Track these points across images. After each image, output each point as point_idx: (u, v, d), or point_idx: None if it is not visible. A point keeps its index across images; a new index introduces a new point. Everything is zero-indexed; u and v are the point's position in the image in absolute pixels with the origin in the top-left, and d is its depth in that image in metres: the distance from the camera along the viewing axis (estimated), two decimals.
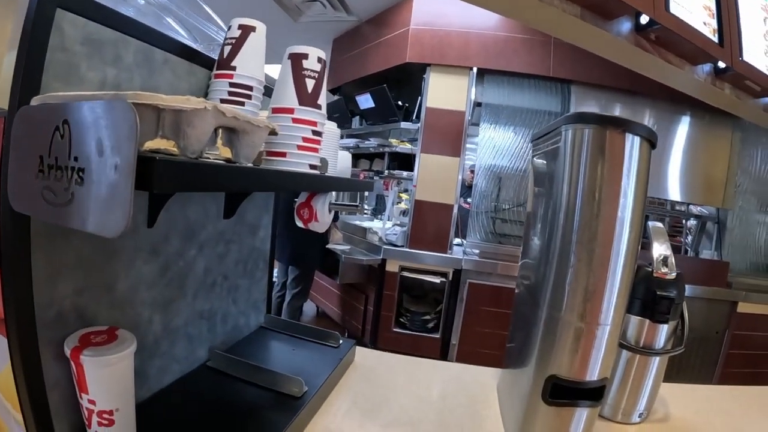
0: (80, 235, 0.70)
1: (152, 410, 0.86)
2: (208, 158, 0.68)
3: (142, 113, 0.42)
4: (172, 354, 0.96)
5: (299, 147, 0.85)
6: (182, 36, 0.97)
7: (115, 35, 0.71)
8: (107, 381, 0.67)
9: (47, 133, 0.49)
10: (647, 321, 1.02)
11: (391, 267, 3.36)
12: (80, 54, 0.66)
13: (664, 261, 1.02)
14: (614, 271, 0.79)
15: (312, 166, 0.88)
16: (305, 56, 0.85)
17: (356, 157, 4.27)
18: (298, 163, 0.85)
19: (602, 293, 0.80)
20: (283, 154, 0.84)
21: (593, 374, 0.83)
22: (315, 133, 0.87)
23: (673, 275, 1.01)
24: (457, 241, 3.43)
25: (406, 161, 3.65)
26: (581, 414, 0.87)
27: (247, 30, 0.85)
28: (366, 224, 3.90)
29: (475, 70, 3.30)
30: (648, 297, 1.00)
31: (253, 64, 0.86)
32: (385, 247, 3.37)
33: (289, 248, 3.37)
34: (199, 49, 0.93)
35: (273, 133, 0.72)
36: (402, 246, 3.39)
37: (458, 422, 1.01)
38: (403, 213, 3.79)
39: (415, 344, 3.33)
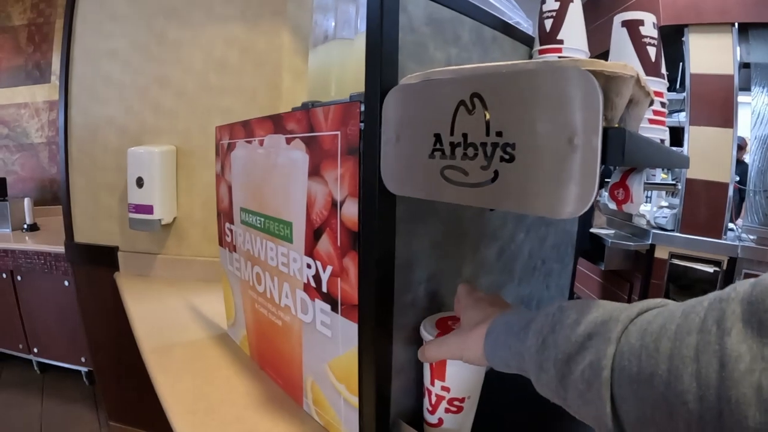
0: (436, 219, 0.70)
1: None
2: None
3: None
4: None
5: (650, 120, 0.78)
6: None
7: (451, 14, 0.69)
8: (466, 370, 0.65)
9: (446, 110, 0.46)
10: None
11: (660, 253, 3.10)
12: (426, 34, 0.64)
13: None
14: None
15: (662, 141, 0.80)
16: (641, 23, 0.78)
17: None
18: (650, 138, 0.77)
19: None
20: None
21: None
22: (663, 104, 0.79)
23: None
24: (729, 225, 3.04)
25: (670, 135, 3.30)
26: None
27: (566, 1, 0.79)
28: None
29: (736, 25, 2.89)
30: None
31: (578, 34, 0.81)
32: (654, 231, 3.11)
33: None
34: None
35: (651, 104, 0.64)
36: (672, 230, 3.09)
37: None
38: (673, 194, 3.43)
39: None
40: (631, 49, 0.77)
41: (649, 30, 0.78)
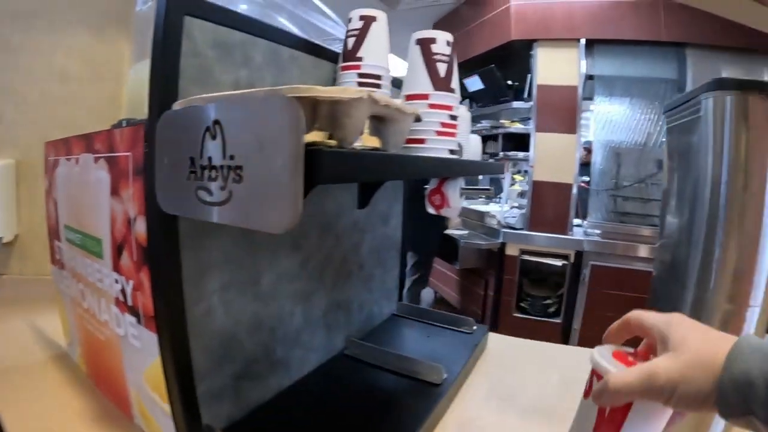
0: (226, 232, 0.73)
1: (294, 397, 0.89)
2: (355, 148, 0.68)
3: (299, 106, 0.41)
4: (311, 343, 0.99)
5: (438, 132, 0.84)
6: (294, 32, 0.99)
7: (243, 37, 0.73)
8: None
9: (197, 135, 0.50)
10: None
11: (511, 251, 3.32)
12: (212, 58, 0.68)
13: None
14: (765, 248, 0.72)
15: (451, 152, 0.87)
16: (433, 40, 0.83)
17: None
18: (438, 149, 0.84)
19: (752, 272, 0.73)
20: (422, 141, 0.84)
21: None
22: (452, 117, 0.86)
23: None
24: (576, 222, 3.33)
25: (520, 141, 3.57)
26: None
27: (368, 20, 0.85)
28: (483, 208, 3.86)
29: (583, 41, 3.17)
30: None
31: (379, 53, 0.86)
32: (504, 230, 3.34)
33: (407, 233, 3.35)
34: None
35: (417, 119, 0.70)
36: (521, 229, 3.34)
37: None
38: (522, 195, 3.70)
39: (536, 329, 3.27)
40: (422, 65, 0.83)
41: (441, 47, 0.83)
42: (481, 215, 3.73)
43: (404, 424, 0.81)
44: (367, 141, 0.69)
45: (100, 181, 0.76)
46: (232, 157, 0.46)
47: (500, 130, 3.71)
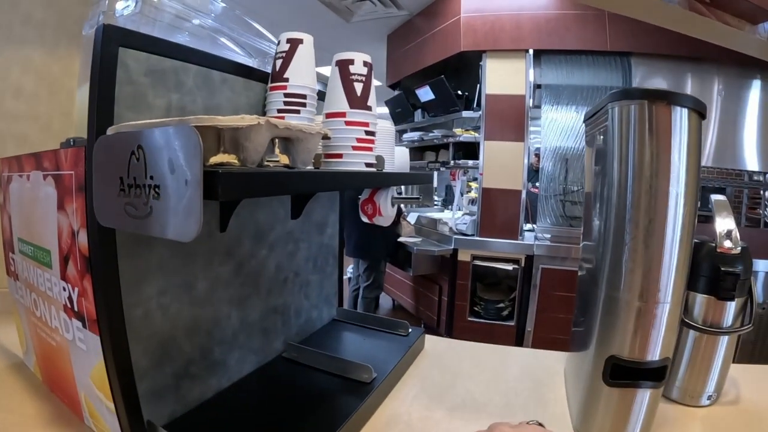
0: (161, 242, 0.79)
1: (233, 396, 0.96)
2: (269, 166, 0.74)
3: (204, 134, 0.49)
4: (249, 346, 1.04)
5: (354, 147, 0.91)
6: (237, 53, 1.05)
7: (174, 64, 0.79)
8: None
9: (124, 157, 0.56)
10: (713, 299, 0.97)
11: (463, 256, 3.42)
12: (145, 84, 0.74)
13: (728, 235, 0.97)
14: (670, 248, 0.78)
15: (368, 164, 0.94)
16: (351, 62, 0.91)
17: (422, 150, 4.39)
18: (354, 162, 0.92)
19: (659, 270, 0.79)
20: (340, 156, 0.91)
21: (654, 354, 0.82)
22: (368, 133, 0.93)
23: (738, 250, 0.96)
24: (527, 226, 3.43)
25: (471, 150, 3.67)
26: (643, 395, 0.86)
27: (295, 43, 0.91)
28: (436, 215, 3.96)
29: (531, 51, 3.29)
30: (712, 274, 0.96)
31: (305, 74, 0.92)
32: (456, 237, 3.43)
33: (353, 240, 3.46)
34: (253, 65, 1.00)
35: (326, 137, 0.77)
36: (472, 235, 3.43)
37: (523, 405, 1.03)
38: (472, 202, 3.81)
39: (491, 333, 3.36)
40: (340, 85, 0.90)
41: (358, 68, 0.91)
42: (435, 222, 3.83)
43: (334, 419, 0.87)
44: (282, 158, 0.76)
45: (48, 196, 0.82)
46: (152, 177, 0.53)
47: (451, 139, 3.82)
